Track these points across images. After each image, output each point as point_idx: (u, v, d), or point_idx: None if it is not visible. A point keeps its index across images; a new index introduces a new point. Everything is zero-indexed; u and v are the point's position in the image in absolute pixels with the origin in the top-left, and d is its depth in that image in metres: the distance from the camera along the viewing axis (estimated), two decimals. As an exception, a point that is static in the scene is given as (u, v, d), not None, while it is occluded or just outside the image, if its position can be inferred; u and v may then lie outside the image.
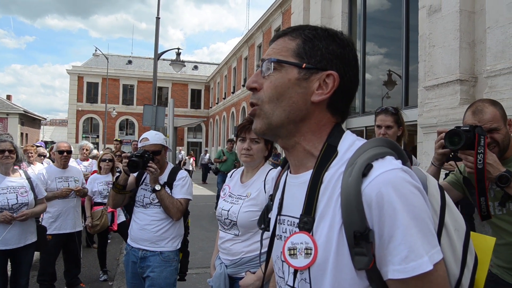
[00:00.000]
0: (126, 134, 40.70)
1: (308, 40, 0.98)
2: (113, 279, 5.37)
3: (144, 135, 3.19)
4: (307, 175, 0.97)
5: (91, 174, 6.06)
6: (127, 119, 42.12)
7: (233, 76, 31.81)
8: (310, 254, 0.89)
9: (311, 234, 0.91)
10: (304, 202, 0.94)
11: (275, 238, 1.08)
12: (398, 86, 10.58)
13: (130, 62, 44.89)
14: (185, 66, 16.22)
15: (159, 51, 13.50)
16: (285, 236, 1.01)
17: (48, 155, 7.53)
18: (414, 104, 8.72)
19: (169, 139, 12.89)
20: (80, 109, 40.50)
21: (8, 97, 43.93)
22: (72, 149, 5.08)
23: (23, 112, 38.66)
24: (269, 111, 0.97)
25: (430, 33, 7.44)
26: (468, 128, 1.95)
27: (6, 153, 3.63)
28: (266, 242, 1.19)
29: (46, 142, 11.54)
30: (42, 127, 52.13)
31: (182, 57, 15.23)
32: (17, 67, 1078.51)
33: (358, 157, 0.89)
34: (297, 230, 0.95)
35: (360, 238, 0.82)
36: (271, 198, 1.20)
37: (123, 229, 5.54)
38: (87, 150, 7.39)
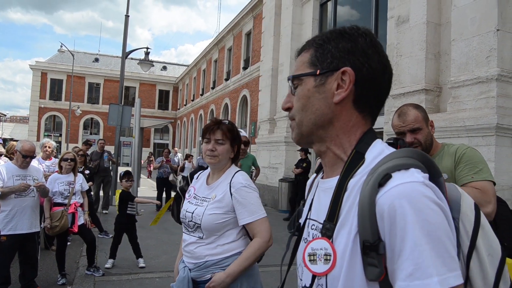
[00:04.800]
0: (91, 134, 39.75)
1: (318, 47, 1.00)
2: (72, 283, 5.17)
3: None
4: (333, 181, 0.97)
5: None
6: (92, 118, 41.12)
7: (202, 78, 31.61)
8: (329, 260, 0.89)
9: (331, 241, 0.90)
10: (328, 209, 0.94)
11: (301, 241, 1.08)
12: (365, 94, 10.76)
13: (97, 60, 43.87)
14: (153, 66, 15.98)
15: (127, 50, 13.25)
16: (308, 240, 1.01)
17: (5, 152, 7.20)
18: (381, 112, 8.88)
19: (135, 139, 12.64)
20: (42, 106, 39.23)
21: (-34, 91, 42.08)
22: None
23: (-19, 108, 37.05)
24: (299, 121, 1.01)
25: (398, 43, 7.61)
26: (392, 141, 2.15)
27: None
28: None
29: (5, 140, 11.04)
30: (1, 123, 50.25)
31: (149, 57, 14.99)
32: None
33: (380, 166, 0.87)
34: (319, 235, 0.95)
35: (370, 248, 0.81)
36: (304, 203, 1.19)
37: (84, 231, 5.36)
38: (49, 147, 7.09)
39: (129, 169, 8.50)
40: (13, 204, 4.47)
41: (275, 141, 12.94)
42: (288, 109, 1.05)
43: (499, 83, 5.90)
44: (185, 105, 38.49)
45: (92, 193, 9.06)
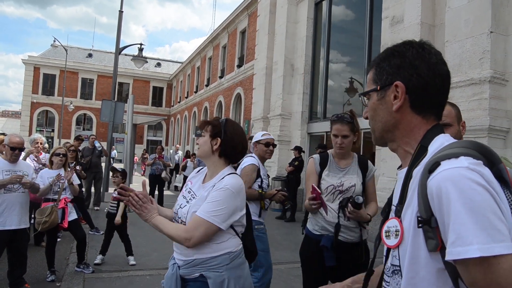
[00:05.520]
0: (84, 129, 39.51)
1: (377, 66, 1.23)
2: (61, 279, 5.12)
3: (267, 133, 4.13)
4: (404, 171, 1.17)
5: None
6: (85, 114, 40.90)
7: (197, 75, 31.50)
8: (398, 235, 1.09)
9: (400, 219, 1.10)
10: (399, 193, 1.14)
11: None
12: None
13: (90, 55, 43.60)
14: (147, 62, 15.88)
15: (121, 46, 13.17)
16: None
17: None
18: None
19: (128, 136, 12.58)
20: (35, 101, 38.92)
21: (-43, 84, 41.69)
22: (25, 142, 4.82)
23: (-27, 102, 36.73)
24: (372, 129, 1.28)
25: (392, 43, 7.58)
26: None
27: None
28: None
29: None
30: (-8, 118, 49.78)
31: (143, 54, 14.91)
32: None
33: (436, 155, 1.03)
34: (393, 216, 1.15)
35: (423, 222, 0.98)
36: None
37: (74, 227, 5.31)
38: (40, 143, 7.05)
39: (122, 165, 8.44)
40: (2, 200, 4.41)
41: (269, 140, 12.93)
42: (367, 118, 1.30)
43: (492, 85, 5.92)
44: (179, 102, 38.35)
45: (83, 189, 9.00)
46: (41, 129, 38.31)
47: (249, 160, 3.93)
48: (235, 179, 2.19)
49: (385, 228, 1.15)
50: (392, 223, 1.12)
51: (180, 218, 2.20)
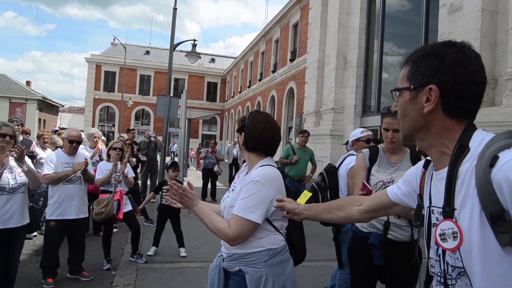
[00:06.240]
0: (142, 124, 41.01)
1: (413, 64, 1.22)
2: (116, 268, 5.35)
3: (365, 130, 4.16)
4: (444, 172, 1.16)
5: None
6: (143, 109, 42.39)
7: (250, 70, 31.68)
8: (457, 237, 1.08)
9: (454, 220, 1.09)
10: (445, 194, 1.13)
11: (432, 226, 1.24)
12: (415, 86, 10.34)
13: (147, 52, 45.09)
14: (200, 58, 16.14)
15: (175, 43, 13.47)
16: (436, 224, 1.20)
17: (61, 142, 7.57)
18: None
19: (182, 130, 12.89)
20: (97, 97, 40.88)
21: (28, 83, 44.69)
22: (83, 136, 5.07)
23: (42, 99, 39.23)
24: (401, 126, 1.30)
25: (450, 32, 7.24)
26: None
27: (7, 138, 3.68)
28: None
29: (62, 129, 11.55)
30: (60, 113, 52.84)
31: (198, 50, 15.16)
32: (37, 54, 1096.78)
33: (487, 150, 1.04)
34: (442, 218, 1.14)
35: (497, 218, 0.98)
36: (421, 197, 1.38)
37: (129, 218, 5.51)
38: (98, 138, 7.41)
39: (176, 159, 8.64)
40: (61, 190, 4.67)
41: (321, 134, 12.76)
42: (396, 112, 1.32)
43: (562, 75, 5.49)
44: (232, 97, 38.78)
45: (139, 181, 9.32)
46: (102, 123, 40.21)
47: (355, 160, 3.89)
48: (264, 170, 2.11)
49: (438, 231, 1.13)
50: (446, 225, 1.11)
51: (221, 211, 2.22)
